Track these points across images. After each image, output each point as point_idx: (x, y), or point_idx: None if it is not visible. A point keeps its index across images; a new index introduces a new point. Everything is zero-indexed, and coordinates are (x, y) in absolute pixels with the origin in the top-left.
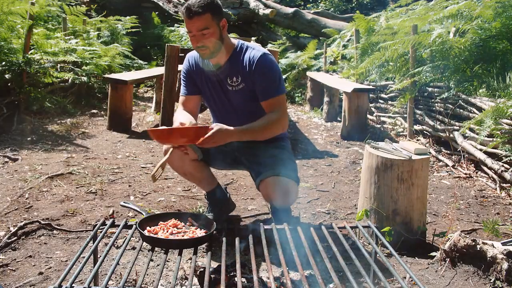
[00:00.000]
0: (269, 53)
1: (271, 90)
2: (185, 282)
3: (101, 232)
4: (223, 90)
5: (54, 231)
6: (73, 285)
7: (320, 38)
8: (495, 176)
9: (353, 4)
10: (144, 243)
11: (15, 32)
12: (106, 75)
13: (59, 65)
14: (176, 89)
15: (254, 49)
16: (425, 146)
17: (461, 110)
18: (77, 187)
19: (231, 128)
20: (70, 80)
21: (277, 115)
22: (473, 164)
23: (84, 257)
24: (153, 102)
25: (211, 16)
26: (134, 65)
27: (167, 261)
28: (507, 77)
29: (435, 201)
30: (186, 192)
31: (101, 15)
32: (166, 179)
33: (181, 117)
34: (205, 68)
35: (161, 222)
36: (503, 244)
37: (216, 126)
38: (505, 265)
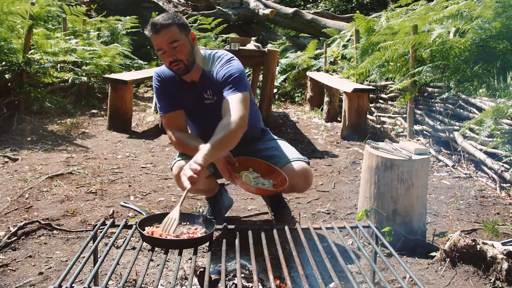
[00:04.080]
0: (235, 57)
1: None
2: (185, 282)
3: (101, 232)
4: (203, 104)
5: (54, 231)
6: (73, 285)
7: (320, 38)
8: (495, 176)
9: (353, 4)
10: (144, 243)
11: (15, 32)
12: (106, 75)
13: (59, 65)
14: None
15: (220, 61)
16: (425, 146)
17: (461, 110)
18: (77, 187)
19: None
20: (70, 80)
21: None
22: (473, 164)
23: (84, 257)
24: (153, 102)
25: (178, 29)
26: (134, 65)
27: (167, 261)
28: (508, 77)
29: (435, 201)
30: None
31: (101, 15)
32: (166, 179)
33: (198, 144)
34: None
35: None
36: (503, 244)
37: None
38: (505, 265)
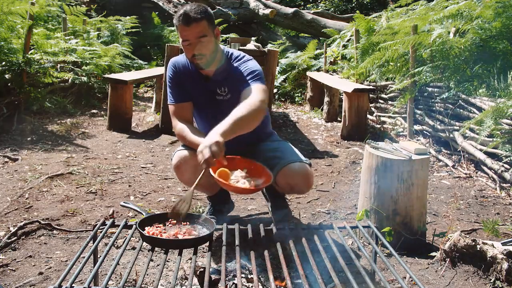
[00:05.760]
0: (252, 58)
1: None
2: (185, 282)
3: (101, 232)
4: (214, 100)
5: (54, 231)
6: (73, 285)
7: (320, 38)
8: (495, 176)
9: (353, 4)
10: (144, 243)
11: (15, 32)
12: (106, 75)
13: (59, 65)
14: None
15: (239, 59)
16: (425, 146)
17: (461, 110)
18: (77, 187)
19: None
20: (70, 80)
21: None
22: (473, 164)
23: (84, 257)
24: (153, 102)
25: (207, 24)
26: (134, 65)
27: (167, 261)
28: (508, 77)
29: (435, 201)
30: (186, 192)
31: (101, 15)
32: (166, 179)
33: (198, 138)
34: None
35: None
36: (503, 244)
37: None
38: (505, 265)
